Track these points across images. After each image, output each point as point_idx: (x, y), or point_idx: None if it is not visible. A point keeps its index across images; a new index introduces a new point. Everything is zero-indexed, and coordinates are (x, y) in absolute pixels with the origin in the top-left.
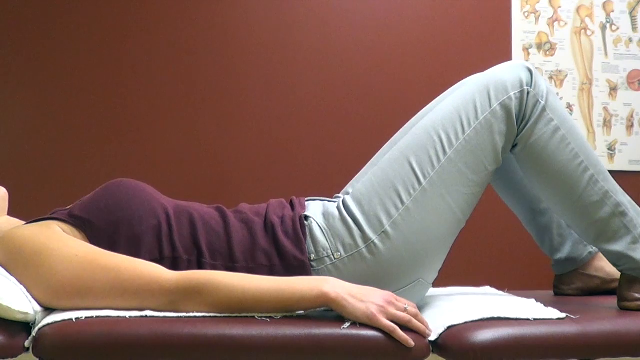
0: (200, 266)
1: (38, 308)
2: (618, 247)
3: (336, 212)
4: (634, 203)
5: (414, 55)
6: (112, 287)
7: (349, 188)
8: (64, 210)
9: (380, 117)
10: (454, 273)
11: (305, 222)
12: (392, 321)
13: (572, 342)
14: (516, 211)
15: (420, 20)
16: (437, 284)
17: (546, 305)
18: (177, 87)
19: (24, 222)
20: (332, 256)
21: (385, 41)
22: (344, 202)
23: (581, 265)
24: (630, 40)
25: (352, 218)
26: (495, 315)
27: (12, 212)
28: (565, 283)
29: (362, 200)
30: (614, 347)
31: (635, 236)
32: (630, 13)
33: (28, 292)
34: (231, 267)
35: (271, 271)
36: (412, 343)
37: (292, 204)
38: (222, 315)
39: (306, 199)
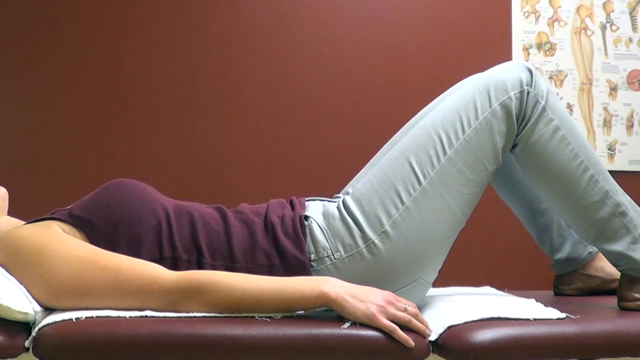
0: (200, 266)
1: (38, 308)
2: (618, 247)
3: (336, 212)
4: (634, 203)
5: (414, 55)
6: (112, 287)
7: (349, 188)
8: (64, 210)
9: (380, 117)
10: (454, 273)
11: (305, 222)
12: (392, 321)
13: (572, 342)
14: (516, 211)
15: (420, 20)
16: (437, 284)
17: (546, 305)
18: (177, 87)
19: (24, 222)
20: (332, 256)
21: (385, 41)
22: (344, 202)
23: (581, 265)
24: (630, 40)
25: (352, 218)
26: (495, 315)
27: (12, 212)
28: (565, 283)
29: (362, 200)
30: (614, 347)
31: (635, 236)
32: (630, 13)
33: (28, 292)
34: (231, 267)
35: (271, 271)
36: (412, 343)
37: (292, 204)
38: (222, 315)
39: (306, 199)
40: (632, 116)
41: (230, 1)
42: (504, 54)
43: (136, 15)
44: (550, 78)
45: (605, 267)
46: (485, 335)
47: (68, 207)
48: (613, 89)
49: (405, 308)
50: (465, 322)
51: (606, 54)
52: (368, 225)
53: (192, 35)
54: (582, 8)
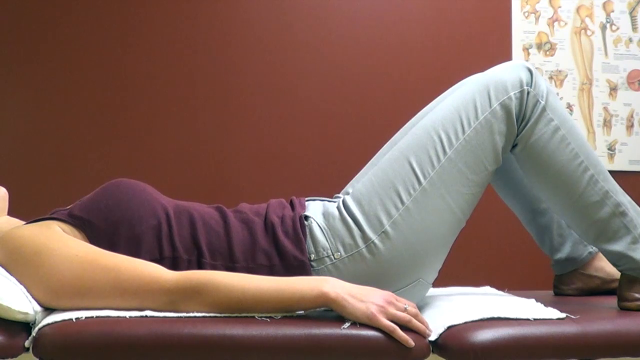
0: (200, 266)
1: (38, 308)
2: (618, 247)
3: (336, 212)
4: (634, 203)
5: (414, 55)
6: (112, 287)
7: (349, 188)
8: (64, 210)
9: (380, 117)
10: (454, 273)
11: (305, 222)
12: (392, 321)
13: (572, 342)
14: (516, 211)
15: (420, 20)
16: (437, 284)
17: (546, 305)
18: (177, 87)
19: (24, 222)
20: (332, 256)
21: (385, 41)
22: (344, 202)
23: (581, 265)
24: (630, 40)
25: (352, 218)
26: (495, 315)
27: (12, 212)
28: (565, 283)
29: (362, 200)
30: (614, 347)
31: (635, 236)
32: (630, 13)
33: (28, 292)
34: (231, 267)
35: (271, 271)
36: (412, 343)
37: (292, 204)
38: (222, 315)
39: (306, 199)
40: (632, 116)
41: (230, 2)
42: (504, 54)
43: (136, 16)
44: (550, 78)
45: (605, 267)
46: (485, 335)
47: (68, 207)
48: (613, 89)
49: (405, 308)
50: (465, 322)
51: (606, 54)
52: (368, 225)
53: (193, 35)
54: (582, 8)
